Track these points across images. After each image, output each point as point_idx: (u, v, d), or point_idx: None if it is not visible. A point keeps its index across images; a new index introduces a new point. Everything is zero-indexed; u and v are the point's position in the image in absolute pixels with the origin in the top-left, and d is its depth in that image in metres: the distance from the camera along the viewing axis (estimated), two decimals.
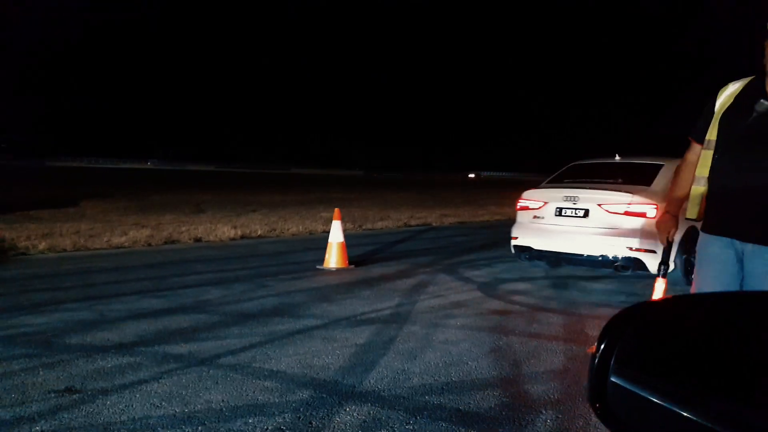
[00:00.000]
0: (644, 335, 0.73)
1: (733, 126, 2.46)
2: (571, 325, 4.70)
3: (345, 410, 2.91)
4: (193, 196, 20.40)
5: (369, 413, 2.88)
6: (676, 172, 2.75)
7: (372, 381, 3.32)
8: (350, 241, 8.10)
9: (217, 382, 3.25)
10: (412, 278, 6.51)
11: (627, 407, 0.68)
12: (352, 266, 7.14)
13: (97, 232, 9.52)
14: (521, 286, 6.21)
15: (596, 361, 0.71)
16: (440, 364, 3.63)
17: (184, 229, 10.46)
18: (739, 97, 2.50)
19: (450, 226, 13.30)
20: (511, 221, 7.24)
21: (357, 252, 8.21)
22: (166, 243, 9.05)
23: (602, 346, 0.71)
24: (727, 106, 2.53)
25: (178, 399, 3.01)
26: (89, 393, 3.07)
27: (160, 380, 3.27)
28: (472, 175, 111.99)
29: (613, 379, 0.69)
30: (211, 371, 3.42)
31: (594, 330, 4.46)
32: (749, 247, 2.37)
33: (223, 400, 3.01)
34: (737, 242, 2.43)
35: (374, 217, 14.09)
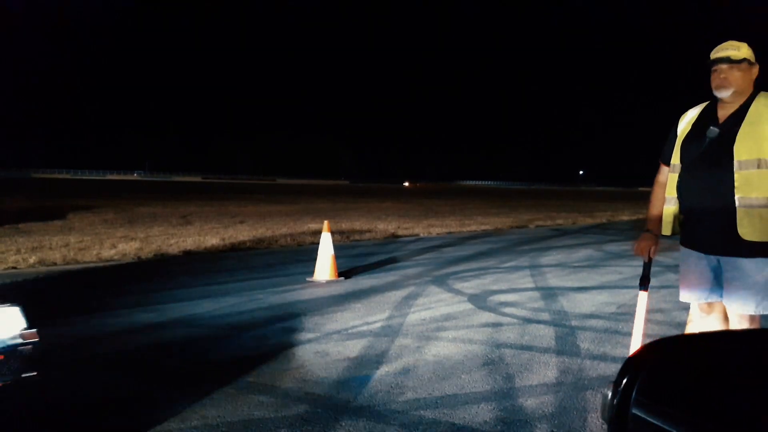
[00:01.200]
0: (668, 369, 0.73)
1: (691, 151, 2.74)
2: (563, 336, 4.75)
3: (341, 425, 2.92)
4: (180, 208, 20.30)
5: (364, 428, 2.89)
6: (652, 193, 2.99)
7: (366, 395, 3.34)
8: (338, 252, 8.12)
9: (212, 398, 3.25)
10: (401, 290, 6.54)
11: None
12: (342, 278, 7.16)
13: (86, 245, 9.45)
14: (511, 297, 6.27)
15: (618, 393, 0.71)
16: (433, 378, 3.65)
17: (172, 241, 10.41)
18: (696, 123, 2.80)
19: (438, 237, 13.36)
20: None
21: (346, 264, 8.23)
22: (155, 255, 9.01)
23: (624, 380, 0.71)
24: (686, 132, 2.81)
25: (172, 415, 3.01)
26: (80, 409, 3.06)
27: (153, 396, 3.26)
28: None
29: (634, 411, 0.69)
30: (205, 387, 3.42)
31: (586, 342, 4.52)
32: (721, 258, 2.64)
33: (218, 416, 3.01)
34: (711, 255, 2.69)
35: (362, 228, 14.12)
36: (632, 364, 0.73)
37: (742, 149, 2.54)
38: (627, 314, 5.45)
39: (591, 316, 5.38)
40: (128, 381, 3.50)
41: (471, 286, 6.91)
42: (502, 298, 6.22)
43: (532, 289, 6.79)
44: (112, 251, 8.92)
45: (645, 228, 3.01)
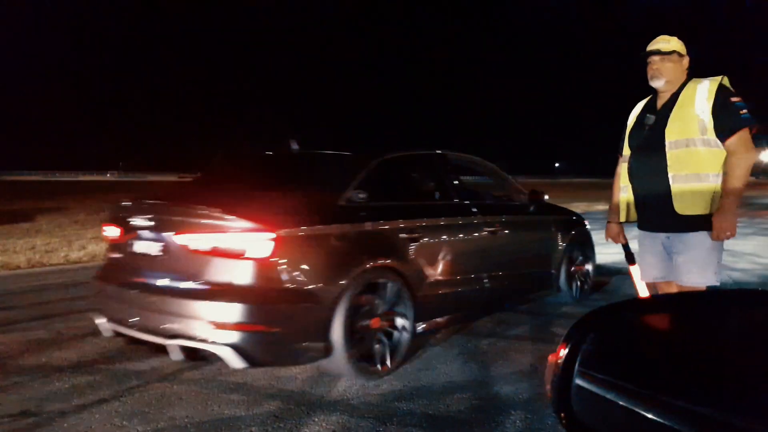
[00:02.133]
0: (608, 338, 0.72)
1: (635, 140, 2.97)
2: (538, 325, 4.75)
3: (313, 420, 2.86)
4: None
5: (338, 422, 2.84)
6: (613, 184, 3.18)
7: (340, 389, 3.28)
8: None
9: (181, 398, 3.15)
10: None
11: (592, 411, 0.66)
12: None
13: (53, 248, 9.21)
14: None
15: (560, 365, 0.69)
16: (410, 370, 3.61)
17: None
18: (639, 114, 3.03)
19: None
20: None
21: None
22: None
23: (566, 351, 0.69)
24: (632, 123, 3.04)
25: (140, 417, 2.91)
26: (46, 416, 2.94)
27: (121, 399, 3.15)
28: None
29: (577, 382, 0.68)
30: (174, 387, 3.32)
31: (561, 329, 4.51)
32: (669, 235, 2.83)
33: (187, 416, 2.92)
34: (660, 233, 2.88)
35: None
36: (574, 334, 0.70)
37: (673, 131, 2.74)
38: (605, 299, 5.48)
39: (566, 304, 5.38)
40: (90, 385, 3.38)
41: None
42: None
43: None
44: (81, 253, 8.70)
45: (609, 217, 3.24)
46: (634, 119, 3.03)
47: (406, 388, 3.28)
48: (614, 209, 3.17)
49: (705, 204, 2.68)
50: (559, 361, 0.69)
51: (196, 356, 3.17)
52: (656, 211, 2.85)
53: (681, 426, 0.58)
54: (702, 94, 2.68)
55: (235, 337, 2.93)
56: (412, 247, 3.66)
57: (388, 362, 3.46)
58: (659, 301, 0.80)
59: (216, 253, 3.02)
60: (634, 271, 3.15)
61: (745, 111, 2.62)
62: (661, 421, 0.59)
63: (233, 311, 2.93)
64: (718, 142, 2.65)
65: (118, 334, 3.45)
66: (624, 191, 3.05)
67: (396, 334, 3.55)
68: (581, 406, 0.66)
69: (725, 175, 2.64)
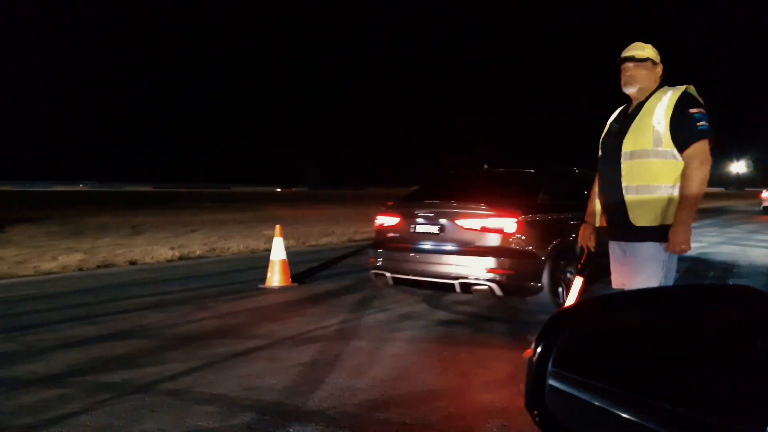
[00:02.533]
0: (579, 337, 0.72)
1: (605, 147, 2.98)
2: (515, 332, 4.77)
3: (288, 431, 2.82)
4: (131, 218, 19.65)
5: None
6: (592, 190, 3.22)
7: (317, 400, 3.24)
8: (293, 258, 7.98)
9: (153, 411, 3.09)
10: (357, 293, 6.45)
11: (566, 411, 0.66)
12: (296, 284, 7.02)
13: (24, 259, 9.00)
14: (465, 296, 6.27)
15: (533, 365, 0.69)
16: (387, 379, 3.58)
17: (119, 252, 10.04)
18: (612, 122, 3.03)
19: None
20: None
21: (301, 269, 8.08)
22: (99, 267, 8.64)
23: (538, 350, 0.69)
24: (606, 129, 3.05)
25: (109, 430, 2.84)
26: (14, 430, 2.86)
27: (91, 412, 3.08)
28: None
29: (550, 382, 0.68)
30: (147, 399, 3.25)
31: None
32: (625, 244, 2.85)
33: (159, 429, 2.86)
34: (620, 242, 2.91)
35: (319, 233, 13.97)
36: (547, 331, 0.70)
37: (629, 142, 2.74)
38: None
39: (542, 311, 5.41)
40: (59, 398, 3.30)
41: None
42: (457, 296, 6.22)
43: None
44: (53, 264, 8.51)
45: (586, 218, 3.26)
46: (608, 126, 3.03)
47: (383, 398, 3.26)
48: (590, 212, 3.20)
49: (656, 215, 2.66)
50: (532, 359, 0.69)
51: (469, 290, 5.14)
52: (615, 220, 2.88)
53: (654, 424, 0.58)
54: (663, 104, 2.65)
55: (496, 276, 5.00)
56: (572, 229, 5.05)
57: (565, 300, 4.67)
58: (632, 296, 0.80)
59: (484, 229, 5.12)
60: (576, 281, 3.27)
61: (702, 123, 2.59)
62: (635, 420, 0.60)
63: (496, 262, 5.00)
64: (676, 153, 2.61)
65: (397, 282, 5.66)
66: (599, 198, 3.09)
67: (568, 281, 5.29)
68: (555, 405, 0.65)
69: (681, 187, 2.61)
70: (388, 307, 5.69)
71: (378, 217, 5.93)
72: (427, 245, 5.42)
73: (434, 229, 5.37)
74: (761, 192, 24.13)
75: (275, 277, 6.89)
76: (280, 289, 6.75)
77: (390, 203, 6.10)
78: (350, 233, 14.17)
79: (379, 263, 5.70)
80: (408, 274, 5.46)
